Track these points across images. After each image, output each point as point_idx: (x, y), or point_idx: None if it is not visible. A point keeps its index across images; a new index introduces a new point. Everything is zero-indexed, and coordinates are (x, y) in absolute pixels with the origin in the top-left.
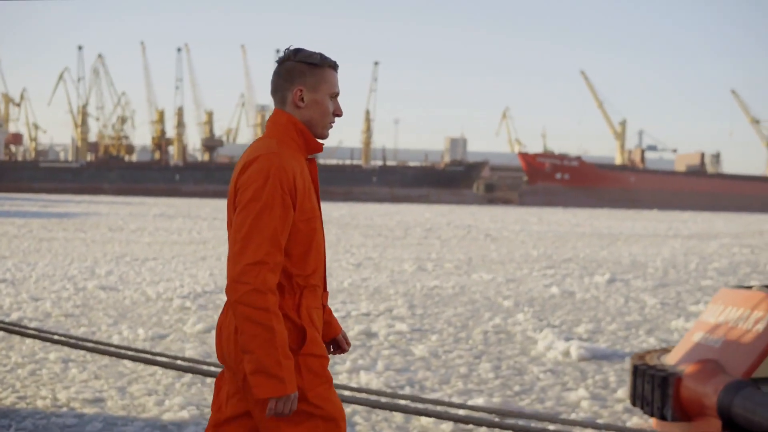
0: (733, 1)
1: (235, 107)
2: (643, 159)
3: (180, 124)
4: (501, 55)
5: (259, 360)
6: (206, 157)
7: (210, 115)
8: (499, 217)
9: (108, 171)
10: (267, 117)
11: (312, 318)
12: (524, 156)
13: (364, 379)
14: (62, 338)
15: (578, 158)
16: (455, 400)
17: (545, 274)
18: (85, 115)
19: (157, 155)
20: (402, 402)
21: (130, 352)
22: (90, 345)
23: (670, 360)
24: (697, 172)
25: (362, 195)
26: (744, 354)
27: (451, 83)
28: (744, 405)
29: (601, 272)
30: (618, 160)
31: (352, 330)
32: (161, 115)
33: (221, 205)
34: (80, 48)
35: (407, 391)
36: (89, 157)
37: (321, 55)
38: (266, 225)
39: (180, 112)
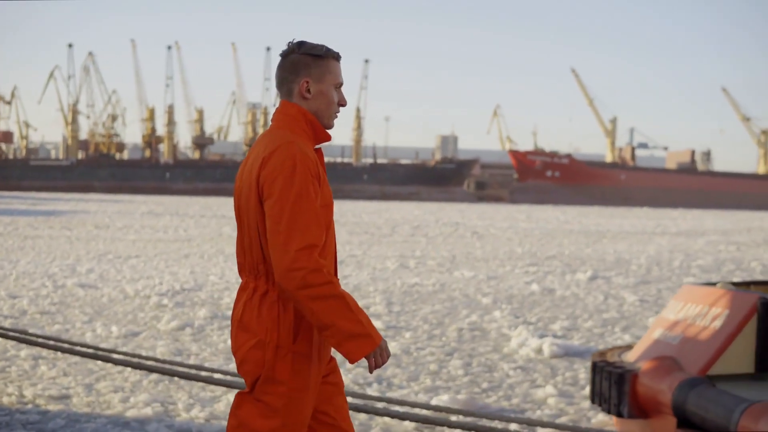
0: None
1: (226, 105)
2: (633, 156)
3: (170, 122)
4: (492, 53)
5: (343, 328)
6: (197, 155)
7: (200, 113)
8: (488, 215)
9: (98, 169)
10: (258, 115)
11: None
12: (515, 153)
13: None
14: (23, 336)
15: (569, 156)
16: (421, 396)
17: (527, 272)
18: (75, 113)
19: (147, 153)
20: (361, 402)
21: (91, 350)
22: (51, 343)
23: (630, 357)
24: (688, 169)
25: (353, 193)
26: (701, 351)
27: (443, 81)
28: (698, 402)
29: (583, 269)
30: (608, 158)
31: None
32: (151, 113)
33: (211, 202)
34: (70, 46)
35: (374, 387)
36: (80, 155)
37: (324, 46)
38: (306, 209)
39: (170, 110)
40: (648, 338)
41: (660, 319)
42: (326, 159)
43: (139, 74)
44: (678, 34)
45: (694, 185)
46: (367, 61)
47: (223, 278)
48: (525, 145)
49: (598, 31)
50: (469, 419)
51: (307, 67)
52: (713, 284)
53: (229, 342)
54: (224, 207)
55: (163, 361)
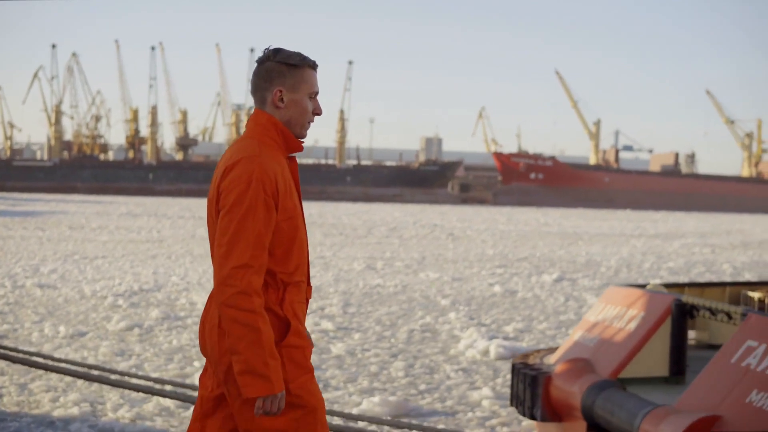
0: (708, 1)
1: (211, 106)
2: (617, 159)
3: (153, 123)
4: (476, 54)
5: (247, 360)
6: (180, 156)
7: (184, 114)
8: (468, 217)
9: (81, 170)
10: (242, 116)
11: (295, 311)
12: (498, 156)
13: None
14: None
15: (552, 158)
16: (355, 398)
17: (494, 273)
18: (58, 113)
19: (131, 154)
20: None
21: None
22: None
23: (552, 359)
24: (672, 172)
25: (336, 194)
26: (613, 353)
27: (427, 82)
28: (605, 406)
29: (551, 271)
30: (592, 160)
31: None
32: (135, 113)
33: (192, 204)
34: (54, 46)
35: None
36: (65, 155)
37: (300, 55)
38: (250, 228)
39: (154, 111)
40: (569, 340)
41: (583, 321)
42: (310, 161)
43: (122, 75)
44: (662, 36)
45: (677, 188)
46: (350, 62)
47: (184, 279)
48: (511, 148)
49: (583, 33)
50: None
51: (281, 76)
52: (642, 286)
53: (175, 342)
54: (204, 208)
55: (91, 366)
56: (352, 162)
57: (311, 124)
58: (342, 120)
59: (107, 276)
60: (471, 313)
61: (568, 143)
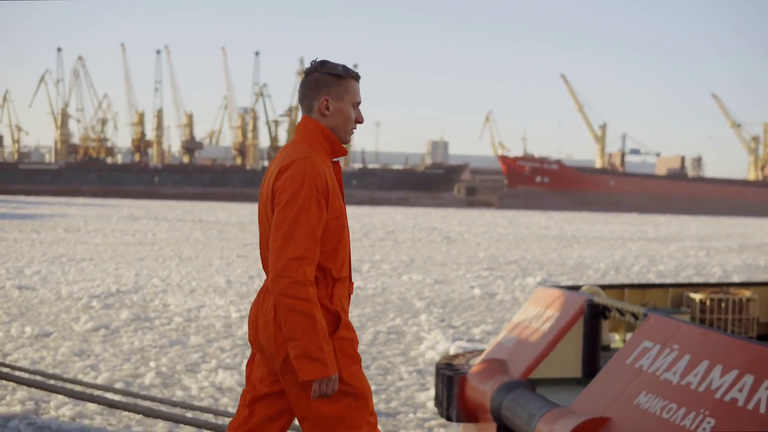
0: (714, 6)
1: (218, 109)
2: (623, 162)
3: (159, 127)
4: (482, 57)
5: (303, 346)
6: (186, 159)
7: (190, 117)
8: (470, 220)
9: (86, 173)
10: (248, 119)
11: (343, 305)
12: (504, 159)
13: (221, 376)
14: None
15: (558, 161)
16: None
17: (479, 276)
18: (65, 116)
19: (137, 157)
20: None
21: None
22: None
23: (477, 360)
24: (678, 175)
25: None
26: (526, 354)
27: (433, 86)
28: (510, 406)
29: (537, 274)
30: (598, 164)
31: (240, 329)
32: (141, 117)
33: (195, 207)
34: (59, 50)
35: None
36: (73, 158)
37: (344, 66)
38: (304, 223)
39: (159, 114)
40: (494, 342)
41: (510, 322)
42: None
43: (128, 78)
44: (668, 40)
45: (683, 191)
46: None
47: (165, 281)
48: (516, 151)
49: (589, 37)
50: None
51: (327, 86)
52: (577, 288)
53: (136, 343)
54: (207, 211)
55: (34, 372)
56: (358, 165)
57: (354, 131)
58: None
59: (89, 278)
60: (444, 315)
61: (575, 147)
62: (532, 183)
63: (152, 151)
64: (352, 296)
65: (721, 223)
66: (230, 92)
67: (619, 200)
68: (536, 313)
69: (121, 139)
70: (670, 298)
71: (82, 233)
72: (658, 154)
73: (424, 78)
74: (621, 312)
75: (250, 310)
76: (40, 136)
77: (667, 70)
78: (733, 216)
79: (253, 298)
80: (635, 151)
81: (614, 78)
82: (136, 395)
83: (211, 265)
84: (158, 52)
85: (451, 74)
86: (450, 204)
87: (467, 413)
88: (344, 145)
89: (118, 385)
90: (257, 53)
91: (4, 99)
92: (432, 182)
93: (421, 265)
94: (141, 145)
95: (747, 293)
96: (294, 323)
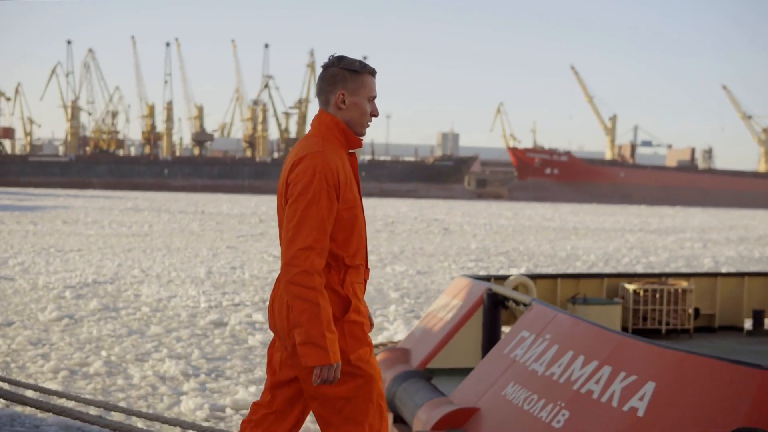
0: None
1: (230, 102)
2: (633, 154)
3: (169, 119)
4: (492, 50)
5: (307, 332)
6: (196, 151)
7: (200, 109)
8: (475, 212)
9: (96, 165)
10: (258, 112)
11: (355, 291)
12: (514, 151)
13: (167, 365)
14: None
15: (568, 153)
16: (237, 388)
17: (463, 267)
18: (75, 109)
19: (147, 149)
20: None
21: None
22: None
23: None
24: (688, 167)
25: None
26: (427, 344)
27: (444, 79)
28: (401, 396)
29: (523, 265)
30: (608, 156)
31: (204, 319)
32: (151, 109)
33: (203, 199)
34: (69, 43)
35: (205, 372)
36: (86, 151)
37: (361, 62)
38: (314, 215)
39: (169, 107)
40: (411, 331)
41: (428, 312)
42: None
43: (139, 71)
44: (678, 32)
45: (694, 183)
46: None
47: (146, 272)
48: (527, 143)
49: (599, 29)
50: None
51: (343, 81)
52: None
53: (95, 333)
54: (212, 203)
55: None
56: (367, 157)
57: (370, 124)
58: None
59: (70, 268)
60: (414, 306)
61: (586, 139)
62: (541, 175)
63: (162, 144)
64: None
65: (728, 214)
66: (241, 85)
67: (629, 192)
68: (445, 303)
69: (133, 131)
70: (605, 288)
71: (79, 225)
72: (669, 146)
73: (434, 70)
74: (516, 302)
75: (270, 297)
76: (55, 129)
77: (677, 61)
78: (743, 208)
79: (228, 288)
80: (647, 143)
81: (625, 70)
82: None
83: (197, 256)
84: (168, 44)
85: (462, 67)
86: (459, 196)
87: None
88: (359, 138)
89: (63, 374)
90: (267, 45)
91: (16, 92)
92: (441, 174)
93: (409, 256)
94: (151, 137)
95: (684, 284)
96: (300, 310)
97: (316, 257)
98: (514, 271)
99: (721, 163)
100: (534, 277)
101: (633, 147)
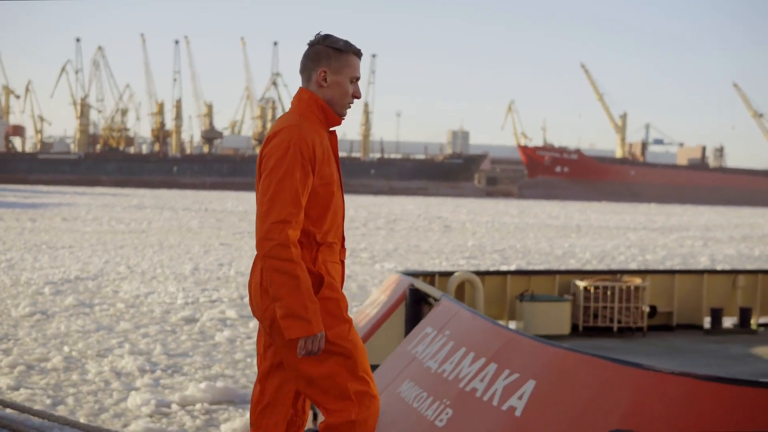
0: None
1: (240, 100)
2: (644, 152)
3: (178, 117)
4: (502, 48)
5: (287, 305)
6: (206, 149)
7: (210, 107)
8: (480, 210)
9: (105, 163)
10: (267, 110)
11: (328, 269)
12: (524, 149)
13: (125, 361)
14: None
15: (578, 151)
16: (189, 384)
17: (454, 265)
18: (84, 107)
19: (156, 147)
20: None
21: None
22: None
23: None
24: (699, 165)
25: (360, 187)
26: None
27: (454, 76)
28: None
29: (515, 262)
30: (618, 154)
31: (176, 316)
32: (161, 107)
33: (210, 196)
34: (78, 40)
35: (162, 368)
36: (96, 148)
37: (346, 41)
38: (288, 188)
39: (178, 105)
40: None
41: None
42: None
43: (148, 68)
44: (688, 29)
45: (704, 182)
46: (374, 55)
47: (132, 269)
48: (537, 141)
49: (609, 27)
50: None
51: (327, 58)
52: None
53: (62, 329)
54: (218, 201)
55: None
56: (376, 155)
57: (351, 105)
58: (366, 113)
59: (56, 265)
60: None
61: (597, 137)
62: (551, 173)
63: (172, 141)
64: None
65: (737, 213)
66: (250, 82)
67: (639, 190)
68: (373, 299)
69: (143, 129)
70: (557, 285)
71: (78, 222)
72: (681, 144)
73: (444, 68)
74: (435, 298)
75: (248, 281)
76: (66, 127)
77: (688, 59)
78: (754, 206)
79: (210, 285)
80: (658, 141)
81: (636, 68)
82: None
83: (188, 252)
84: (177, 42)
85: (472, 65)
86: (469, 194)
87: None
88: (339, 116)
89: (20, 369)
90: (275, 43)
91: (26, 89)
92: (451, 172)
93: (402, 254)
94: (161, 135)
95: (638, 281)
96: (279, 284)
97: (291, 230)
98: (503, 268)
99: (732, 161)
100: (483, 273)
101: (643, 145)
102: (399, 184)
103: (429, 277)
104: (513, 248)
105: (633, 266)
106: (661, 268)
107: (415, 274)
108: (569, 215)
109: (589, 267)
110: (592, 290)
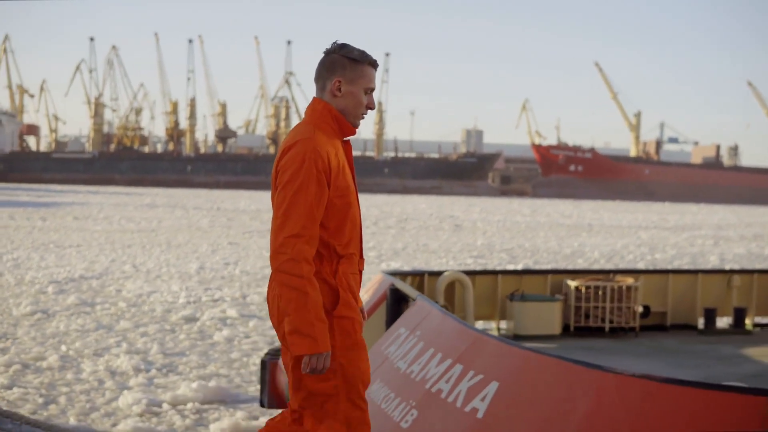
0: None
1: (254, 99)
2: (658, 151)
3: (192, 116)
4: (517, 46)
5: (294, 321)
6: (220, 148)
7: (223, 106)
8: (493, 208)
9: (119, 162)
10: (280, 109)
11: (348, 282)
12: (538, 148)
13: (121, 360)
14: None
15: (592, 150)
16: (183, 383)
17: (461, 264)
18: (98, 106)
19: (171, 146)
20: None
21: None
22: None
23: None
24: (713, 164)
25: (374, 186)
26: None
27: (467, 75)
28: None
29: (523, 262)
30: (633, 152)
31: (177, 315)
32: (175, 106)
33: (222, 195)
34: (92, 39)
35: (157, 367)
36: (110, 147)
37: (362, 52)
38: (302, 202)
39: (192, 104)
40: None
41: None
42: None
43: (162, 67)
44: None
45: (719, 180)
46: (387, 54)
47: (137, 268)
48: (551, 140)
49: (623, 25)
50: None
51: (342, 68)
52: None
53: (62, 328)
54: (231, 200)
55: None
56: (390, 154)
57: (364, 116)
58: (380, 112)
59: (62, 264)
60: None
61: (611, 135)
62: (565, 172)
63: (186, 140)
64: None
65: (751, 212)
66: (264, 81)
67: (654, 189)
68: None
69: (158, 128)
70: (549, 284)
71: (89, 221)
72: (695, 143)
73: (458, 67)
74: (412, 298)
75: (267, 292)
76: (82, 126)
77: (703, 58)
78: None
79: (214, 284)
80: (673, 140)
81: (650, 67)
82: None
83: (196, 251)
84: (190, 41)
85: (486, 63)
86: (483, 193)
87: (277, 399)
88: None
89: (15, 368)
90: (289, 42)
91: (41, 88)
92: (465, 171)
93: (410, 253)
94: (175, 134)
95: (629, 281)
96: (288, 299)
97: (304, 245)
98: (509, 268)
99: (747, 159)
100: (473, 273)
101: (658, 144)
102: (413, 183)
103: (418, 276)
104: (522, 247)
105: (641, 265)
106: (670, 267)
107: (403, 274)
108: (582, 214)
109: (596, 266)
110: (583, 290)
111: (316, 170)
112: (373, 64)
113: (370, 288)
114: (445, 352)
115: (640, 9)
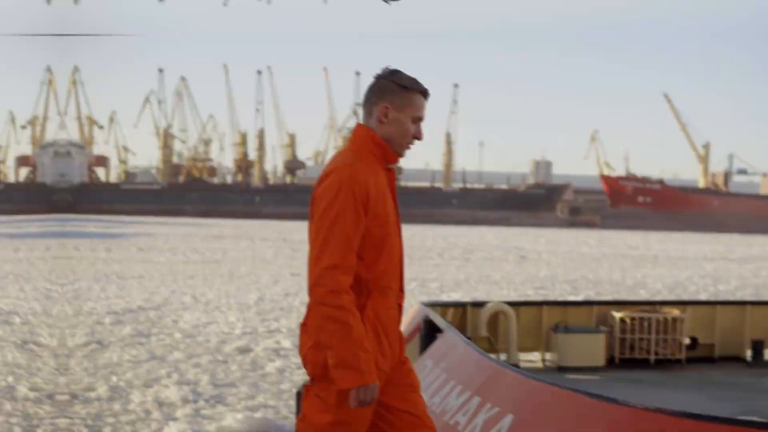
0: None
1: (322, 130)
2: (726, 182)
3: (261, 147)
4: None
5: (339, 354)
6: (289, 179)
7: (292, 137)
8: (560, 240)
9: (188, 193)
10: (346, 139)
11: (379, 317)
12: (606, 179)
13: (171, 391)
14: None
15: (660, 181)
16: (229, 413)
17: (522, 294)
18: (167, 137)
19: (239, 177)
20: None
21: None
22: None
23: None
24: None
25: (442, 218)
26: None
27: (536, 106)
28: None
29: (583, 293)
30: (701, 183)
31: (230, 346)
32: (243, 137)
33: (291, 227)
34: (161, 71)
35: (206, 398)
36: (179, 179)
37: (413, 79)
38: (339, 232)
39: (261, 135)
40: None
41: None
42: (416, 184)
43: (231, 99)
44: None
45: None
46: (456, 85)
47: (197, 299)
48: (620, 171)
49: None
50: None
51: (391, 94)
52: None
53: (112, 358)
54: (299, 231)
55: None
56: (459, 185)
57: (410, 146)
58: (448, 143)
59: (122, 295)
60: None
61: (679, 166)
62: (634, 203)
63: (254, 171)
64: None
65: None
66: (333, 112)
67: (722, 220)
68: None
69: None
70: (594, 316)
71: (153, 252)
72: (765, 174)
73: (527, 98)
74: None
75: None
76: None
77: None
78: None
79: (272, 315)
80: (742, 171)
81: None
82: None
83: (257, 282)
84: (259, 72)
85: (555, 94)
86: (551, 224)
87: None
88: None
89: (63, 398)
90: (358, 73)
91: (111, 120)
92: (533, 202)
93: (472, 284)
94: (243, 165)
95: (675, 312)
96: (330, 332)
97: (342, 275)
98: (571, 299)
99: None
100: (517, 304)
101: (726, 175)
102: (481, 214)
103: (461, 308)
104: (584, 278)
105: (703, 296)
106: (731, 298)
107: (444, 305)
108: (648, 245)
109: (658, 297)
110: (628, 321)
111: (353, 198)
112: (424, 93)
113: (407, 319)
114: (465, 384)
115: (708, 40)
